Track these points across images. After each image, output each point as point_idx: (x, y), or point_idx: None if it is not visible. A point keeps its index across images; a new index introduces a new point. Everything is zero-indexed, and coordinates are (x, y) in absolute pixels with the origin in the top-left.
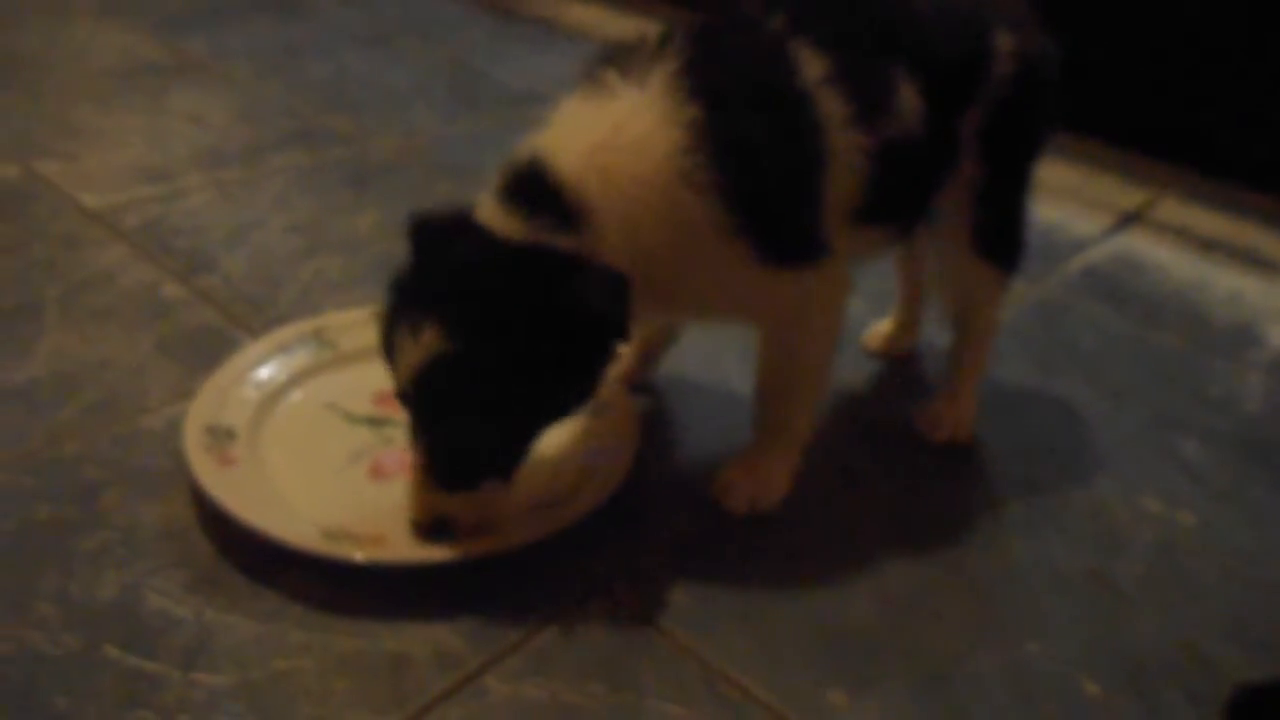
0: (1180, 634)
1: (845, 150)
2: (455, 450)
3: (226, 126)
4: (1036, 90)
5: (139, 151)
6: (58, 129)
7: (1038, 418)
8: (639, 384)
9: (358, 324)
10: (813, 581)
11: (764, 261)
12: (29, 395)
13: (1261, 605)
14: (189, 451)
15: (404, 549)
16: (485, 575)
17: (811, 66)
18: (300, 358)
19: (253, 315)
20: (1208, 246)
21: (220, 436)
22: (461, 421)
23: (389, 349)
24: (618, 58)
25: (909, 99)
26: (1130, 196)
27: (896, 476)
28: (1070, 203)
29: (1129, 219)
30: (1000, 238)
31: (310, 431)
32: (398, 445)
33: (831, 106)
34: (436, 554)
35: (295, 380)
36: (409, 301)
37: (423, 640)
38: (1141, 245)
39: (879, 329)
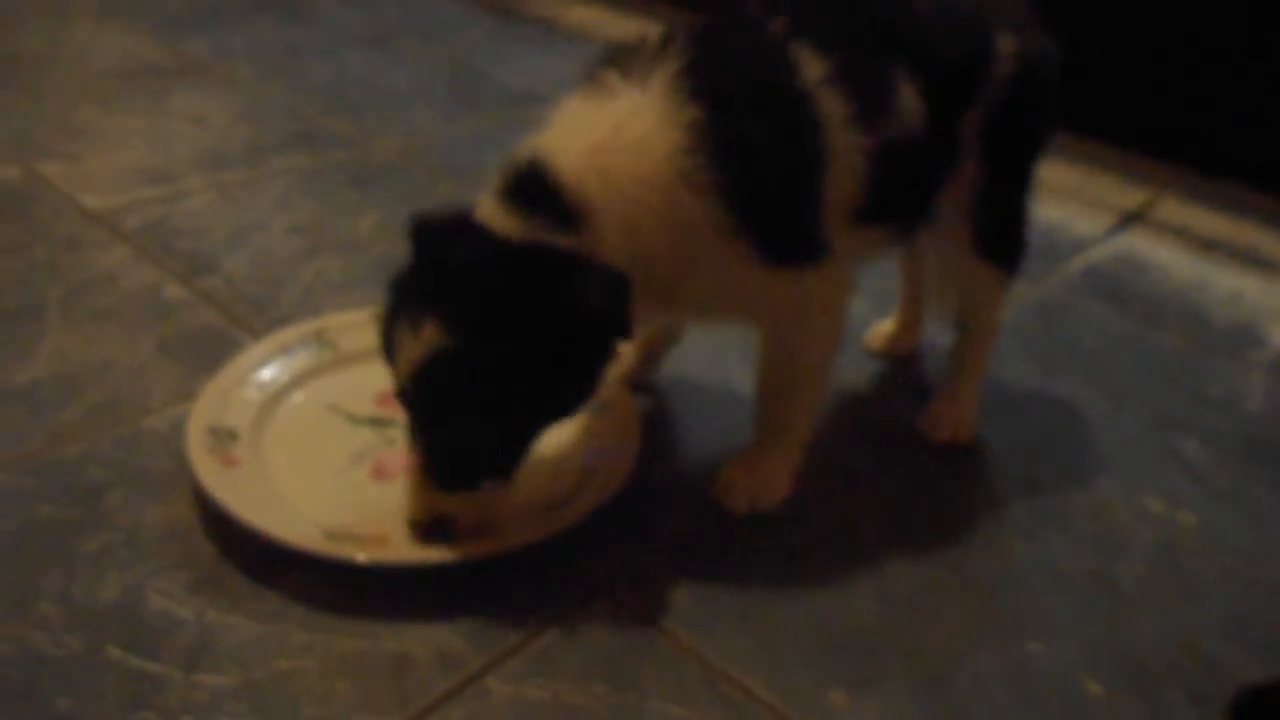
0: (1181, 634)
1: (845, 151)
2: (455, 449)
3: (228, 128)
4: (1037, 91)
5: (140, 153)
6: (59, 130)
7: (1039, 418)
8: (640, 384)
9: (359, 325)
10: (814, 581)
11: (764, 262)
12: (31, 396)
13: (1263, 605)
14: (191, 452)
15: (406, 550)
16: (487, 576)
17: (812, 67)
18: (302, 359)
19: (254, 316)
20: (1208, 246)
21: (222, 437)
22: (461, 420)
23: (389, 347)
24: (618, 58)
25: (909, 100)
26: (1131, 196)
27: (897, 476)
28: (1071, 203)
29: (1130, 219)
30: (1001, 238)
31: (312, 432)
32: (400, 446)
33: (832, 107)
34: (438, 555)
35: (297, 381)
36: (409, 300)
37: (425, 641)
38: (1142, 245)
39: (881, 329)
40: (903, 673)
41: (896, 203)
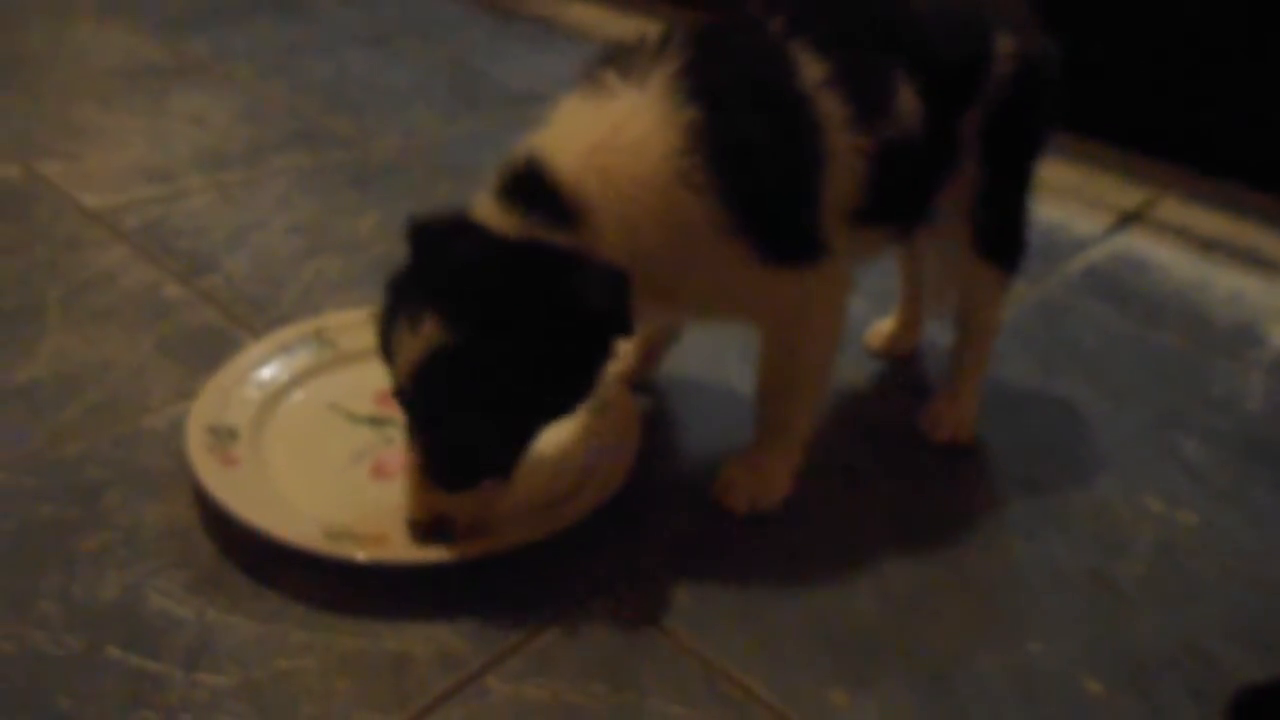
0: (1182, 633)
1: (844, 152)
2: (455, 447)
3: (228, 127)
4: (1037, 90)
5: (140, 152)
6: (59, 129)
7: (1039, 417)
8: (640, 383)
9: (359, 324)
10: (814, 581)
11: (763, 262)
12: (31, 396)
13: (1263, 604)
14: (191, 451)
15: (406, 549)
16: (487, 575)
17: (811, 68)
18: (302, 358)
19: (254, 315)
20: (1208, 246)
21: (222, 436)
22: (461, 417)
23: (387, 346)
24: (617, 58)
25: (909, 100)
26: (1131, 196)
27: (898, 476)
28: (1071, 202)
29: (1130, 219)
30: (1001, 238)
31: (312, 431)
32: (400, 445)
33: (831, 108)
34: (438, 554)
35: (297, 380)
36: (407, 298)
37: (424, 640)
38: (1142, 245)
39: (881, 328)
40: (903, 672)
41: (895, 203)
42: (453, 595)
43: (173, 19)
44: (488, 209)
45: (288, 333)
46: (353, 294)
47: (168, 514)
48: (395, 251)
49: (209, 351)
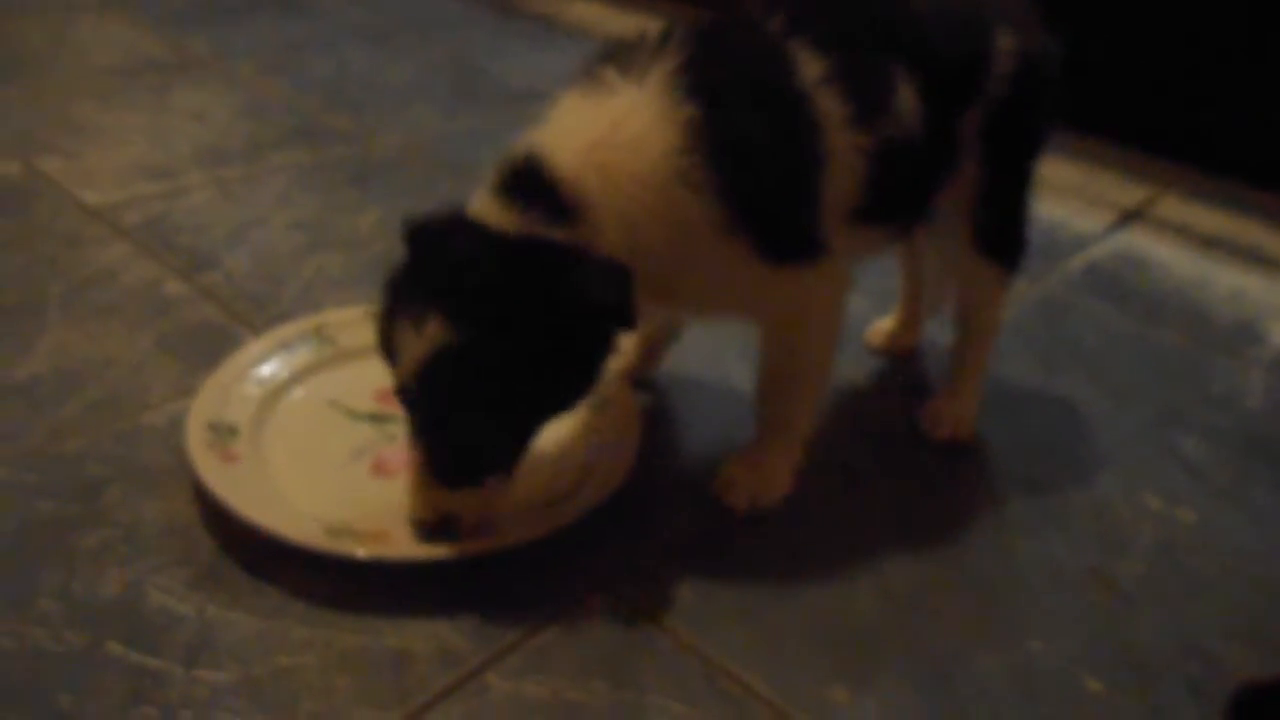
0: (1182, 631)
1: (843, 150)
2: (459, 446)
3: (228, 124)
4: (1038, 89)
5: (141, 149)
6: (60, 126)
7: (1039, 416)
8: (641, 381)
9: (359, 321)
10: (814, 579)
11: (762, 260)
12: (31, 392)
13: (1263, 602)
14: (191, 448)
15: (406, 546)
16: (487, 572)
17: (810, 66)
18: (302, 355)
19: (254, 312)
20: (1209, 244)
21: (222, 433)
22: (466, 416)
23: (388, 346)
24: (617, 55)
25: (908, 99)
26: (1132, 194)
27: (898, 474)
28: (1072, 200)
29: (1130, 216)
30: (1002, 236)
31: (312, 428)
32: (400, 442)
33: (830, 106)
34: (439, 551)
35: (297, 377)
36: (408, 297)
37: (425, 637)
38: (1143, 243)
39: (881, 326)
40: (903, 670)
41: (895, 202)
42: (453, 592)
43: (173, 15)
44: (486, 206)
45: (288, 329)
46: (353, 291)
47: (168, 511)
48: (395, 248)
49: (209, 348)
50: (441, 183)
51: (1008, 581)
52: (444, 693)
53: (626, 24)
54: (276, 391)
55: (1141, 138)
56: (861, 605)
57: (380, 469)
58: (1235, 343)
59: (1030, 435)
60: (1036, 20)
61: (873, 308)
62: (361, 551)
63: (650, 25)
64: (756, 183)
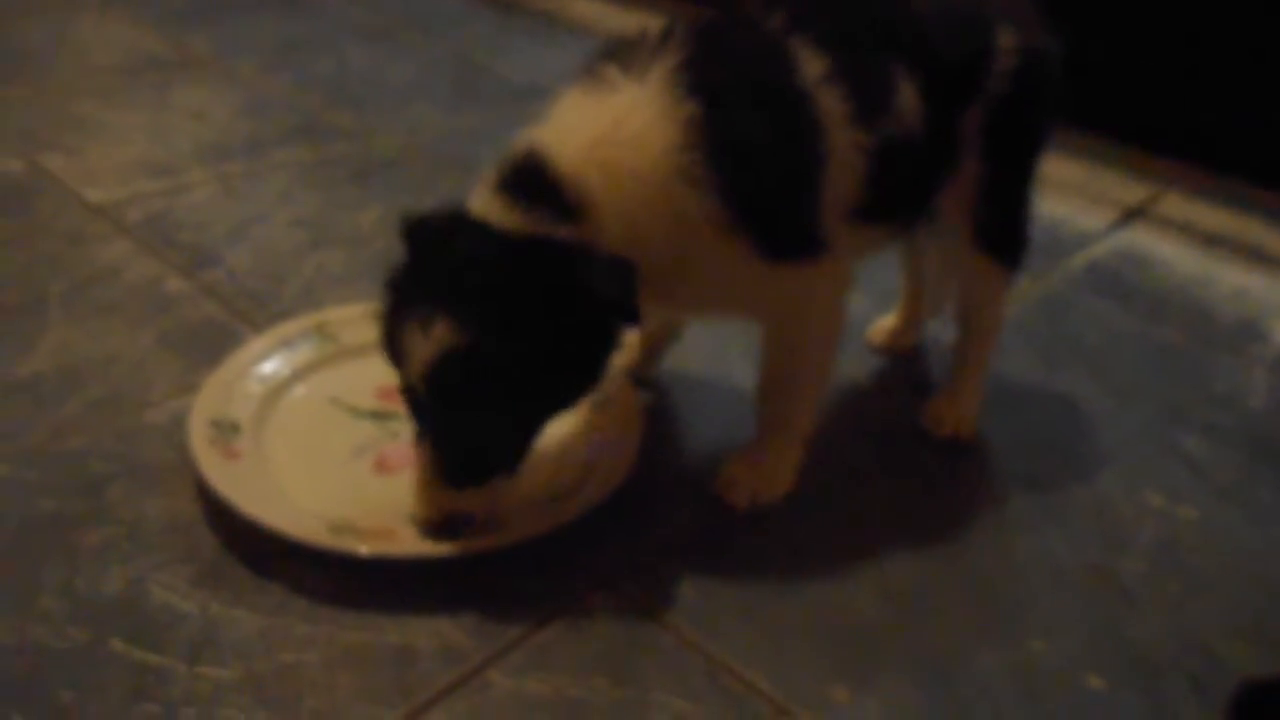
0: (1183, 629)
1: (844, 148)
2: (468, 447)
3: (230, 121)
4: (1039, 87)
5: (142, 146)
6: (62, 123)
7: (1041, 413)
8: (642, 379)
9: (361, 318)
10: (816, 576)
11: (763, 258)
12: (33, 389)
13: (1264, 600)
14: (194, 445)
15: (409, 543)
16: (489, 569)
17: (811, 64)
18: (304, 352)
19: (256, 310)
20: (1212, 242)
21: (225, 430)
22: (475, 416)
23: (393, 347)
24: (618, 52)
25: (909, 97)
26: (1134, 192)
27: (899, 472)
28: (1074, 198)
29: (1133, 214)
30: (1004, 234)
31: (314, 425)
32: (402, 439)
33: (830, 105)
34: (441, 548)
35: (299, 375)
36: (412, 298)
37: (427, 634)
38: (1145, 241)
39: (883, 324)
40: (904, 667)
41: (896, 200)
42: (455, 589)
43: (175, 14)
44: (487, 204)
45: (289, 327)
46: (354, 288)
47: (170, 508)
48: (396, 246)
49: (211, 345)
50: (443, 180)
51: (1009, 579)
52: (446, 690)
53: (628, 21)
54: (278, 389)
55: (1144, 135)
56: (863, 603)
57: (382, 466)
58: (1237, 341)
59: (1032, 433)
60: (1037, 18)
61: (874, 306)
62: (364, 549)
63: (652, 23)
64: (757, 180)
